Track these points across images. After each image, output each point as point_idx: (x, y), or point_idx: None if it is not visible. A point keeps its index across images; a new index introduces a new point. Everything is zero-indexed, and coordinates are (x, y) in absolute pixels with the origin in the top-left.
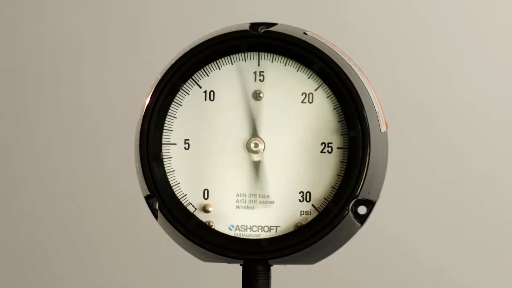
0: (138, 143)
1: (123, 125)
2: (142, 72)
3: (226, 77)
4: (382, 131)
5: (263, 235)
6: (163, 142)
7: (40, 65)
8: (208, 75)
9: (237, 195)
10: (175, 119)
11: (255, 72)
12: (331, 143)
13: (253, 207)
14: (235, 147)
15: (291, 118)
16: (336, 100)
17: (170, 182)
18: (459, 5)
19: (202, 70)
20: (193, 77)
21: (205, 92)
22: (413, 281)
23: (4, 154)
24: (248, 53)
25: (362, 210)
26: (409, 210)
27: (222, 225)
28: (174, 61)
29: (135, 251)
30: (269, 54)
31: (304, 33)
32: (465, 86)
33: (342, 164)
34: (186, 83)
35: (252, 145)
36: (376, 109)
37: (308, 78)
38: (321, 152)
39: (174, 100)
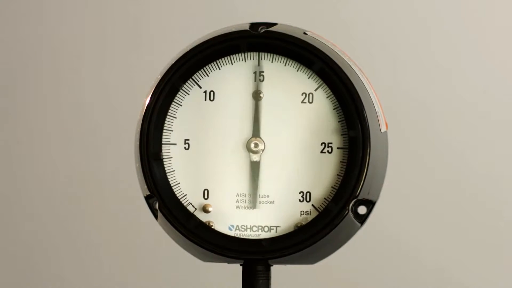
0: (138, 143)
1: (123, 125)
2: (142, 72)
3: (226, 77)
4: (382, 131)
5: (263, 235)
6: (163, 142)
7: (40, 65)
8: (208, 75)
9: (237, 195)
10: (175, 119)
11: (255, 72)
12: (331, 143)
13: (253, 207)
14: (235, 147)
15: (291, 118)
16: (336, 100)
17: (170, 182)
18: (459, 5)
19: (202, 70)
20: (193, 77)
21: (205, 92)
22: (413, 281)
23: (4, 154)
24: (248, 53)
25: (362, 210)
26: (409, 210)
27: (222, 225)
28: (174, 61)
29: (135, 251)
30: (269, 54)
31: (304, 33)
32: (465, 86)
33: (342, 164)
34: (186, 83)
35: (252, 145)
36: (376, 109)
37: (308, 78)
38: (321, 152)
39: (174, 100)
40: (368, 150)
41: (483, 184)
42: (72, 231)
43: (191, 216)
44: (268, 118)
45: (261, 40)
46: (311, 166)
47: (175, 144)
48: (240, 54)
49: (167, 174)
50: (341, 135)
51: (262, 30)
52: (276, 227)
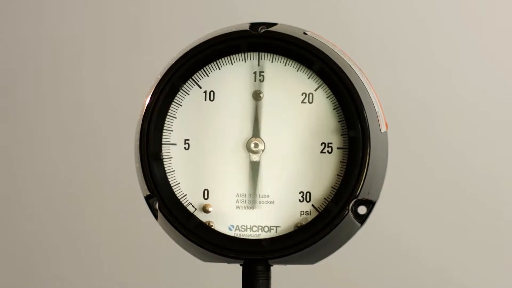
0: (138, 143)
1: (123, 125)
2: (142, 72)
3: (226, 77)
4: (382, 131)
5: (263, 235)
6: (163, 142)
7: (40, 65)
8: (208, 75)
9: (237, 195)
10: (175, 119)
11: (255, 72)
12: (331, 143)
13: (253, 207)
14: (235, 147)
15: (291, 118)
16: (336, 100)
17: (170, 182)
18: (459, 5)
19: (202, 70)
20: (193, 77)
21: (205, 92)
22: (413, 281)
23: (4, 154)
24: (248, 53)
25: (362, 210)
26: (409, 210)
27: (222, 225)
28: (174, 61)
29: (135, 251)
30: (269, 54)
31: (304, 33)
32: (465, 86)
33: (342, 164)
34: (186, 83)
35: (252, 145)
36: (376, 109)
37: (308, 78)
38: (321, 152)
39: (174, 100)
40: (368, 150)
41: (483, 184)
42: (72, 231)
43: (191, 216)
44: (268, 118)
45: (261, 40)
46: (311, 166)
47: (175, 144)
48: (240, 54)
49: (167, 174)
50: (341, 135)
51: (262, 30)
52: (276, 227)
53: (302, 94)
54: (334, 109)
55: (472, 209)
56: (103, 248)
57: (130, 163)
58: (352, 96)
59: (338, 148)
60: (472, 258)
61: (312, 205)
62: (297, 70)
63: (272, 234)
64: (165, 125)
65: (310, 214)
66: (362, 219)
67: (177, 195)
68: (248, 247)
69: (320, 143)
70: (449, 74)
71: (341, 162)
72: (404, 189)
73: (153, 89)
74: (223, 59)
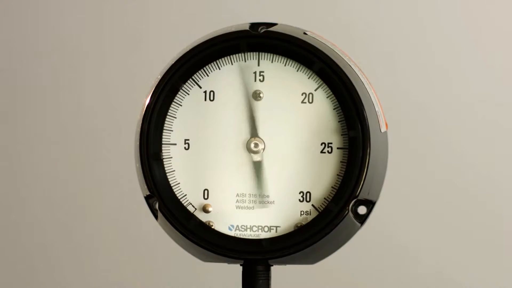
0: (138, 143)
1: (123, 125)
2: (142, 72)
3: (226, 77)
4: (382, 131)
5: (263, 235)
6: (163, 142)
7: (40, 65)
8: (208, 75)
9: (237, 195)
10: (175, 119)
11: (255, 72)
12: (331, 143)
13: (253, 207)
14: (235, 147)
15: (291, 118)
16: (336, 100)
17: (170, 182)
18: (459, 5)
19: (202, 70)
20: (193, 77)
21: (205, 92)
22: (413, 281)
23: (4, 154)
24: (248, 53)
25: (362, 210)
26: (409, 210)
27: (222, 225)
28: (174, 61)
29: (135, 251)
30: (269, 54)
31: (304, 33)
32: (464, 87)
33: (342, 164)
34: (186, 83)
35: (252, 145)
36: (376, 109)
37: (308, 78)
38: (321, 152)
39: (174, 100)
40: (368, 150)
41: (482, 184)
42: (72, 231)
43: (191, 216)
44: (268, 118)
45: (261, 40)
46: (311, 166)
47: (175, 144)
48: (240, 54)
49: (167, 174)
50: (341, 135)
51: (262, 30)
52: (276, 227)
53: (302, 94)
54: (334, 109)
55: (471, 209)
56: (103, 248)
57: (130, 163)
58: (352, 96)
59: (338, 148)
60: (472, 258)
61: (312, 205)
62: (297, 70)
63: (272, 234)
64: (165, 125)
65: (310, 214)
66: (362, 219)
67: (177, 195)
68: (248, 247)
69: (320, 143)
70: (449, 74)
71: (341, 162)
72: (404, 189)
73: (153, 89)
74: (223, 59)
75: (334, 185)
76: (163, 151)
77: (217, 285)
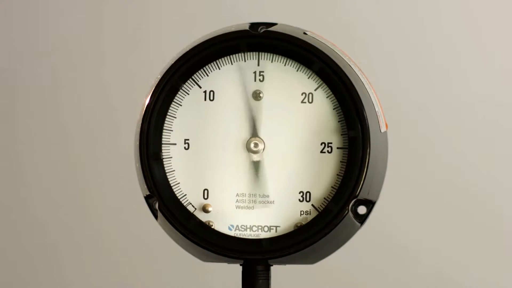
0: (138, 143)
1: (123, 125)
2: (142, 72)
3: (226, 77)
4: (382, 131)
5: (263, 235)
6: (163, 142)
7: (40, 65)
8: (208, 75)
9: (237, 195)
10: (175, 119)
11: (255, 72)
12: (331, 143)
13: (253, 207)
14: (235, 147)
15: (291, 118)
16: (336, 100)
17: (170, 182)
18: (459, 5)
19: (202, 70)
20: (193, 77)
21: (205, 92)
22: (413, 281)
23: (4, 154)
24: (248, 53)
25: (362, 210)
26: (409, 210)
27: (222, 225)
28: (174, 61)
29: (135, 251)
30: (269, 54)
31: (304, 33)
32: (464, 87)
33: (342, 164)
34: (186, 83)
35: (252, 145)
36: (376, 109)
37: (308, 78)
38: (321, 152)
39: (174, 100)
40: (368, 150)
41: (482, 184)
42: (72, 231)
43: (191, 216)
44: (268, 118)
45: (261, 40)
46: (311, 166)
47: (175, 144)
48: (240, 54)
49: (167, 174)
50: (341, 135)
51: (262, 30)
52: (276, 227)
53: (302, 94)
54: (334, 109)
55: (471, 209)
56: (103, 248)
57: (130, 163)
58: (352, 96)
59: (338, 148)
60: (472, 258)
61: (312, 205)
62: (297, 70)
63: (272, 234)
64: (165, 125)
65: (310, 214)
66: (362, 219)
67: (177, 195)
68: (248, 247)
69: (320, 143)
70: (449, 74)
71: (341, 162)
72: (404, 189)
73: (153, 89)
74: (223, 59)
75: (334, 185)
76: (163, 151)
77: (217, 285)
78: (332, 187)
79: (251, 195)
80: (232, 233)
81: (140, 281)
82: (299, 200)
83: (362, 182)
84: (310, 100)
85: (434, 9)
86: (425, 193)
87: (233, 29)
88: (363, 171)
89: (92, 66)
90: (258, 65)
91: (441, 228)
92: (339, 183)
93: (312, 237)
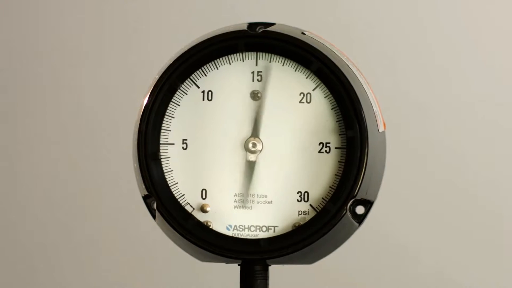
0: (136, 143)
1: (121, 125)
2: (140, 72)
3: (224, 77)
4: (380, 131)
5: (261, 235)
6: (161, 142)
7: (39, 65)
8: (206, 75)
9: (235, 195)
10: (173, 119)
11: (253, 72)
12: (329, 143)
13: (251, 207)
14: (233, 147)
15: (289, 118)
16: (334, 100)
17: (168, 182)
18: (458, 5)
19: (200, 70)
20: (191, 77)
21: (203, 92)
22: (411, 281)
23: (3, 154)
24: (246, 53)
25: (360, 210)
26: (407, 210)
27: (220, 225)
28: (172, 61)
29: (133, 251)
30: (267, 54)
31: (302, 33)
32: (463, 86)
33: (340, 164)
34: (184, 83)
35: (250, 145)
36: (374, 109)
37: (306, 78)
38: (319, 152)
39: (172, 100)
40: (366, 150)
41: (481, 184)
42: (70, 231)
43: (189, 216)
44: (266, 118)
45: (259, 40)
46: (309, 166)
47: (173, 144)
48: (238, 54)
49: (165, 174)
50: (339, 135)
51: (260, 30)
52: (274, 227)
53: (300, 94)
54: (332, 109)
55: (470, 209)
56: (103, 248)
57: (128, 163)
58: (350, 96)
59: (336, 148)
60: (470, 258)
61: (310, 205)
62: (295, 70)
63: (270, 234)
64: (163, 125)
65: (308, 214)
66: (360, 219)
67: (175, 195)
68: (246, 247)
69: (318, 143)
70: (447, 73)
71: (339, 162)
72: (402, 189)
73: (151, 89)
74: (221, 59)
75: (332, 185)
76: (161, 151)
77: (215, 285)
78: (330, 187)
79: (249, 195)
80: (230, 233)
81: (138, 281)
82: (297, 200)
83: (360, 182)
84: (308, 100)
85: (434, 9)
86: (423, 193)
87: (231, 29)
88: (361, 171)
89: (90, 66)
90: (256, 65)
91: (439, 228)
92: (337, 183)
93: (310, 237)
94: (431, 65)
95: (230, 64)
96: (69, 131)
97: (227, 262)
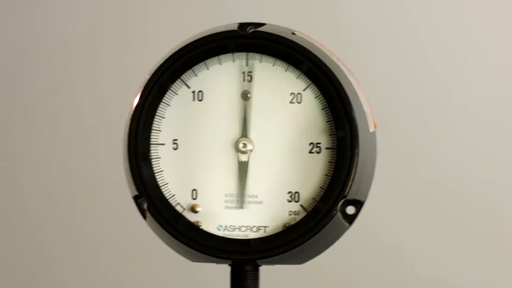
0: (126, 143)
1: (112, 125)
2: (130, 72)
3: (215, 77)
4: (370, 131)
5: (252, 235)
6: (151, 142)
7: (34, 66)
8: (196, 75)
9: (226, 195)
10: (164, 119)
11: (243, 72)
12: (320, 143)
13: (242, 207)
14: (224, 147)
15: (280, 118)
16: (324, 100)
17: (159, 182)
18: (449, 4)
19: (190, 70)
20: (181, 77)
21: (193, 92)
22: (402, 280)
23: (4, 154)
24: (237, 53)
25: (350, 210)
26: (398, 210)
27: (210, 225)
28: (163, 61)
29: (123, 251)
30: (257, 54)
31: (293, 33)
32: (454, 86)
33: (330, 164)
34: (175, 83)
35: (241, 145)
36: (365, 109)
37: (297, 78)
38: (310, 152)
39: (163, 100)
40: (357, 150)
41: (472, 184)
42: (71, 231)
43: (180, 216)
44: (257, 118)
45: (249, 40)
46: (300, 166)
47: (163, 144)
48: (228, 54)
49: (156, 174)
50: (330, 135)
51: (251, 30)
52: (265, 227)
53: (290, 94)
54: (322, 109)
55: (460, 209)
56: (102, 248)
57: (119, 163)
58: (340, 96)
59: (326, 148)
60: (461, 258)
61: (301, 205)
62: (286, 70)
63: (260, 234)
64: (154, 125)
65: (298, 214)
66: (351, 219)
67: (166, 195)
68: (236, 247)
69: (309, 143)
70: (438, 73)
71: (329, 162)
72: (393, 189)
73: (142, 89)
74: (211, 59)
75: (323, 185)
76: (151, 151)
77: (206, 285)
78: (320, 187)
79: (240, 195)
80: (220, 233)
81: (128, 281)
82: (288, 200)
83: (350, 182)
84: (299, 100)
85: (424, 8)
86: (413, 193)
87: (222, 29)
88: (352, 171)
89: (83, 67)
90: (247, 65)
91: (430, 228)
92: (327, 183)
93: (300, 237)
94: (423, 65)
95: (220, 64)
96: (70, 131)
97: (217, 263)
